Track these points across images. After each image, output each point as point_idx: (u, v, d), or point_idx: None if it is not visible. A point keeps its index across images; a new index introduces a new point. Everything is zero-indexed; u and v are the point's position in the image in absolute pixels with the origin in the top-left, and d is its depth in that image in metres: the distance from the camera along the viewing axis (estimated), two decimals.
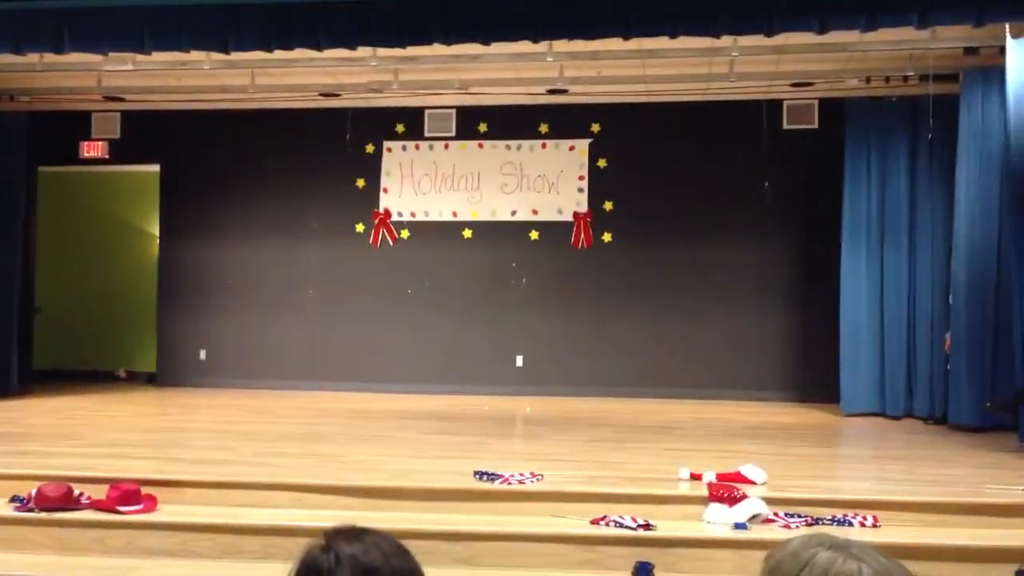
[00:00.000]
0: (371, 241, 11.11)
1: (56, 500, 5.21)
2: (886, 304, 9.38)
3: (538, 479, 5.67)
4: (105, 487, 5.33)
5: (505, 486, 5.53)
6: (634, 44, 7.43)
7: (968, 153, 8.37)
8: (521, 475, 5.68)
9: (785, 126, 10.33)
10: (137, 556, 4.96)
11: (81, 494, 5.34)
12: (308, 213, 11.17)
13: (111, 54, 7.65)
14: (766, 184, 10.06)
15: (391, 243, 11.11)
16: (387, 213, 11.12)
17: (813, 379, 10.09)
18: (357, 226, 11.14)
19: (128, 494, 5.26)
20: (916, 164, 9.37)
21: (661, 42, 6.99)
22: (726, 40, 7.22)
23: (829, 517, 5.11)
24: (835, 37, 6.98)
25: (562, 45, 7.62)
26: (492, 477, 5.66)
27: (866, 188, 9.49)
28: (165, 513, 5.26)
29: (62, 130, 11.20)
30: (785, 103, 10.27)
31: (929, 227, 9.27)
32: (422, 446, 7.21)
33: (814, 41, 7.24)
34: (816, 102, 10.24)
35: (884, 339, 9.37)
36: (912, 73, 8.58)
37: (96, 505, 5.25)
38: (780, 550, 1.40)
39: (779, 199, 10.31)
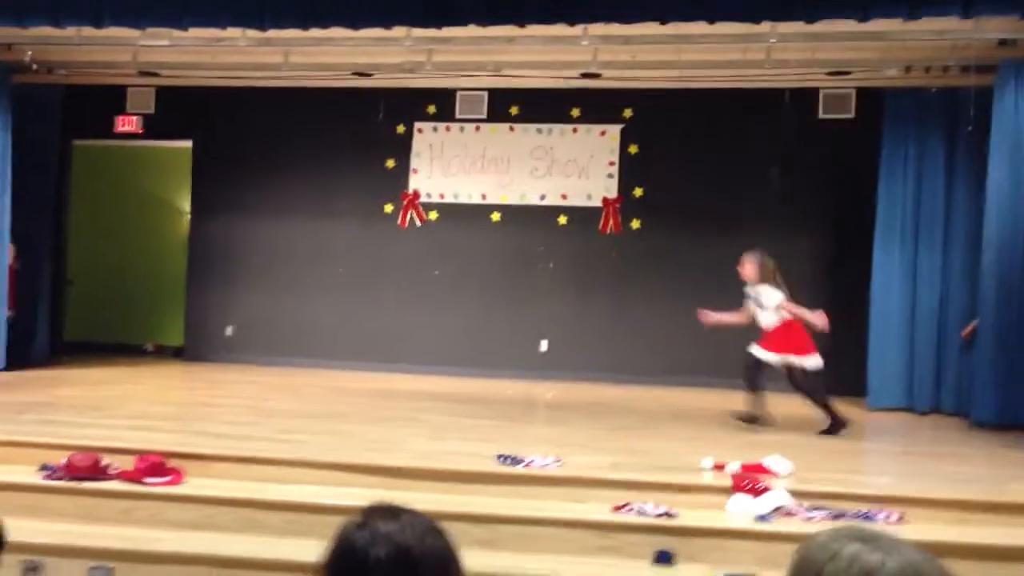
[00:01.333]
0: (399, 222, 11.13)
1: (85, 470, 5.28)
2: (918, 299, 9.24)
3: (560, 464, 5.67)
4: (132, 459, 5.40)
5: (528, 470, 5.53)
6: (670, 29, 7.35)
7: (1000, 145, 8.22)
8: (544, 459, 5.68)
9: (821, 115, 10.20)
10: (161, 528, 5.02)
11: (109, 465, 5.40)
12: (338, 192, 11.19)
13: (148, 30, 7.68)
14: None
15: (419, 224, 11.11)
16: (416, 194, 11.11)
17: (840, 372, 9.96)
18: (386, 206, 11.14)
19: (155, 466, 5.32)
20: (954, 157, 9.20)
21: (698, 27, 6.91)
22: (764, 26, 7.12)
23: (853, 511, 5.07)
24: (875, 25, 6.87)
25: (597, 29, 7.55)
26: (515, 461, 5.66)
27: (902, 180, 9.33)
28: (190, 486, 5.31)
29: (97, 104, 11.28)
30: (821, 91, 10.13)
31: (965, 222, 9.08)
32: (444, 428, 7.22)
33: (854, 29, 7.13)
34: (853, 91, 10.08)
35: (914, 335, 9.24)
36: (952, 63, 8.43)
37: (124, 476, 5.32)
38: (810, 541, 1.39)
39: (811, 189, 10.22)
